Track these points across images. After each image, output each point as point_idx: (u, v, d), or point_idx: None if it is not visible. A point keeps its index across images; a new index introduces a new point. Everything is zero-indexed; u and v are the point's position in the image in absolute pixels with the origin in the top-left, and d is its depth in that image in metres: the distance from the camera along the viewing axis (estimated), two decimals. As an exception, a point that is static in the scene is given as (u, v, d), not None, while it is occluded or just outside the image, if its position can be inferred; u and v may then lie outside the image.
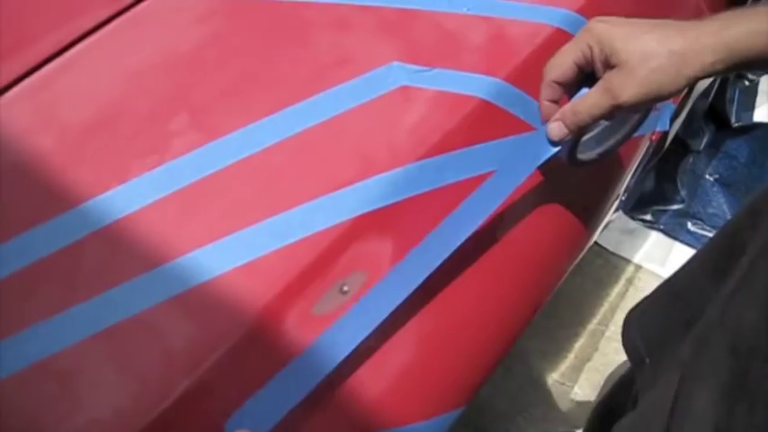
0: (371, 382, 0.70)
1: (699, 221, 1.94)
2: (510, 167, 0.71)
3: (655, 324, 0.77)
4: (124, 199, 0.67)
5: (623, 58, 0.62)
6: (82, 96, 0.72)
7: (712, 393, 0.58)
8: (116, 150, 0.69)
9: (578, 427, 1.62)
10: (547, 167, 0.76)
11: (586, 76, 0.67)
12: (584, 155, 0.78)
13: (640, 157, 1.06)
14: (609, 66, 0.64)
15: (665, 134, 1.11)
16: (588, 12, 0.90)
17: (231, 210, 0.68)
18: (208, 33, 0.79)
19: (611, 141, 0.80)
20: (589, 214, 0.96)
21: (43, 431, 0.59)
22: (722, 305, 0.62)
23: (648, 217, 1.96)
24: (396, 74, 0.77)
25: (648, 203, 1.96)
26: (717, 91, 1.89)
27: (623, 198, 1.10)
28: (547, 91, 0.68)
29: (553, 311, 1.78)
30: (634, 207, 1.96)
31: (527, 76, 0.83)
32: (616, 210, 1.07)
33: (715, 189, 1.98)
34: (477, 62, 0.81)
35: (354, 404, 0.69)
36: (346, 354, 0.65)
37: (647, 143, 1.07)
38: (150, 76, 0.75)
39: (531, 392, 1.64)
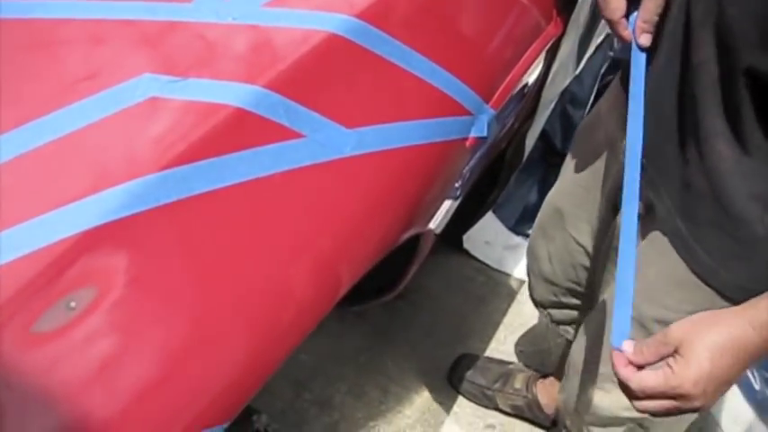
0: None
1: (579, 231, 1.93)
2: None
3: None
4: None
5: None
6: None
7: None
8: None
9: (458, 447, 1.60)
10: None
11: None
12: None
13: (455, 156, 1.08)
14: None
15: (484, 138, 1.12)
16: (369, 16, 0.90)
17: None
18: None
19: None
20: (407, 198, 1.01)
21: None
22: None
23: (530, 231, 1.95)
24: (146, 85, 0.75)
25: (530, 218, 1.96)
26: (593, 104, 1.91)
27: (457, 185, 1.19)
28: (620, 26, 0.96)
29: (432, 331, 1.76)
30: (517, 222, 1.96)
31: (293, 82, 0.82)
32: (451, 196, 1.20)
33: (597, 199, 1.98)
34: (236, 70, 0.79)
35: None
36: None
37: (462, 147, 1.08)
38: None
39: (409, 414, 1.61)
